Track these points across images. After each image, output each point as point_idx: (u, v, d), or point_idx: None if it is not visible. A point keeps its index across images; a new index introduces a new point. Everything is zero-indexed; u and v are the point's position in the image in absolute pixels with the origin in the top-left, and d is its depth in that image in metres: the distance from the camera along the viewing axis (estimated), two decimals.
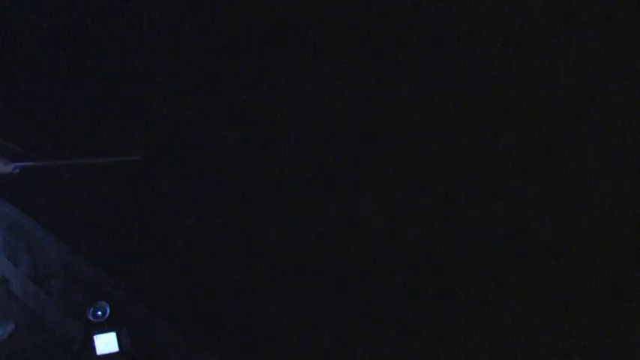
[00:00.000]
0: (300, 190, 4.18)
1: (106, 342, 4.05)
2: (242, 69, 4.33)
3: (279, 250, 4.23)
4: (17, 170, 4.04)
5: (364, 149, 4.02)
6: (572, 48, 3.32)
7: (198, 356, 3.97)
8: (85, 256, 4.57)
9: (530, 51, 3.46)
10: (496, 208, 3.56)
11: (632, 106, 3.14)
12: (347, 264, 3.99)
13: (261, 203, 4.33)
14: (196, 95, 4.48)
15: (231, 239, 4.39)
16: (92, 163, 4.29)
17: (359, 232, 3.99)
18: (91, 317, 4.09)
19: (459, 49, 3.63)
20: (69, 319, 4.64)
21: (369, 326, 3.80)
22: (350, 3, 3.99)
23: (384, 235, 3.91)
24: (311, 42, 4.09)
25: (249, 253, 4.33)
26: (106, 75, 4.68)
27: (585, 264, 3.21)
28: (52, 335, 4.77)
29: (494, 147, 3.55)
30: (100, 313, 4.09)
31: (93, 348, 4.03)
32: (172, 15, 4.47)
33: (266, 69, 4.27)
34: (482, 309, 3.47)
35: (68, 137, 4.57)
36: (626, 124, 3.14)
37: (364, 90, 3.99)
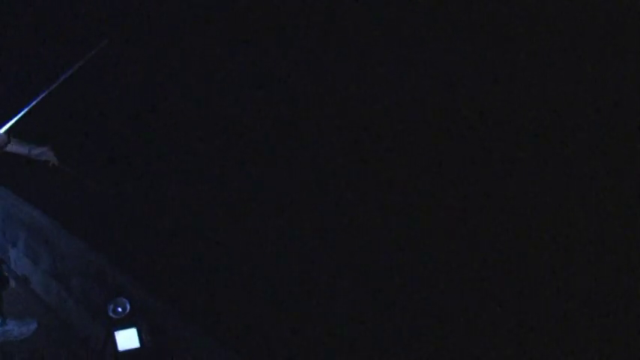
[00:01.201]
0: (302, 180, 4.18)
1: (126, 338, 4.06)
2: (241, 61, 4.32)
3: (302, 247, 4.23)
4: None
5: (363, 149, 4.01)
6: (571, 48, 3.29)
7: (217, 351, 3.98)
8: (104, 252, 4.60)
9: (529, 51, 3.43)
10: (495, 208, 3.54)
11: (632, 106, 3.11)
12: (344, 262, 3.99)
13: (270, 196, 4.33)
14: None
15: (251, 236, 4.40)
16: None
17: (358, 232, 3.98)
18: (111, 314, 4.11)
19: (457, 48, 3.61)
20: (90, 316, 4.68)
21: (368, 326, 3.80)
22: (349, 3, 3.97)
23: (383, 234, 3.91)
24: (311, 41, 4.08)
25: (269, 249, 4.33)
26: None
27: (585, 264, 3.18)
28: (73, 332, 4.81)
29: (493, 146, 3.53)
30: (120, 309, 4.10)
31: (114, 344, 4.06)
32: None
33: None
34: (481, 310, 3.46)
35: None
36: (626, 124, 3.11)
37: (363, 89, 3.98)
